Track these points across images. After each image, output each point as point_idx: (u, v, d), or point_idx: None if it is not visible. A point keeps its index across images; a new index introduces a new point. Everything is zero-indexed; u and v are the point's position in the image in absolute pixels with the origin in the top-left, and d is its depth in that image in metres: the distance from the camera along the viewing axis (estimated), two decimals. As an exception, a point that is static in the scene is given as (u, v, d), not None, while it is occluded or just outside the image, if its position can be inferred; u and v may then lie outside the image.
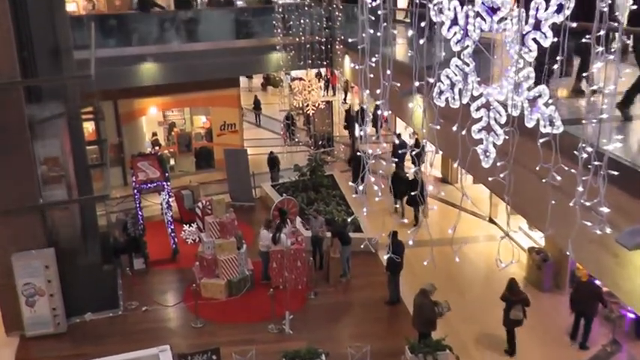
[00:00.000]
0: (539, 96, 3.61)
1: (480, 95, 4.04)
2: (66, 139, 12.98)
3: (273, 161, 20.48)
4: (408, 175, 16.92)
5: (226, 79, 21.05)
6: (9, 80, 11.47)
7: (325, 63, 18.98)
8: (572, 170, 4.05)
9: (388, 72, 4.33)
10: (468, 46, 3.93)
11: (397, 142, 14.50)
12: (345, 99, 28.93)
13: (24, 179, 11.63)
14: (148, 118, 22.59)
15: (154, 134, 22.74)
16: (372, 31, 4.29)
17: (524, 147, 4.34)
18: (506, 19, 3.63)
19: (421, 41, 4.33)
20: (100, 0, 21.00)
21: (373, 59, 4.37)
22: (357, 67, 4.63)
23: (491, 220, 17.38)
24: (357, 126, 14.79)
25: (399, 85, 4.58)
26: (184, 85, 19.80)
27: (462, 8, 3.86)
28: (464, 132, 4.30)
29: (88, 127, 17.02)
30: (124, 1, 20.71)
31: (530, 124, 3.73)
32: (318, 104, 20.87)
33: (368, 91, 4.62)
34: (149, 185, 15.85)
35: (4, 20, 11.43)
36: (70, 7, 19.04)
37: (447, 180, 19.91)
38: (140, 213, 16.37)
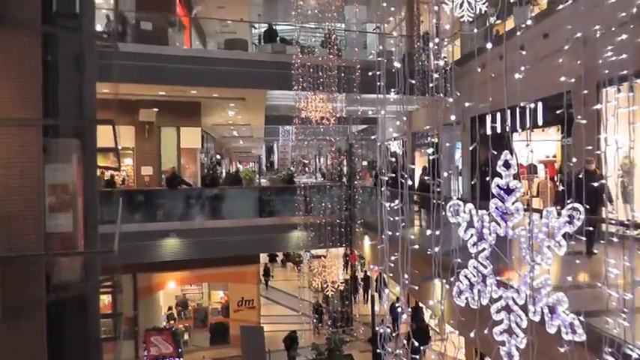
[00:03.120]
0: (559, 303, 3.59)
1: (500, 297, 4.03)
2: (80, 314, 12.88)
3: (292, 340, 20.00)
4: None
5: (246, 255, 21.24)
6: (35, 253, 11.69)
7: (345, 244, 19.21)
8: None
9: (406, 275, 4.37)
10: (484, 248, 4.00)
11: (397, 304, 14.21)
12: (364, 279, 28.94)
13: (32, 355, 11.37)
14: (165, 292, 22.52)
15: (170, 308, 22.56)
16: (390, 233, 4.43)
17: (551, 342, 4.22)
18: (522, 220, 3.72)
19: (436, 249, 4.43)
20: (130, 175, 21.93)
21: (392, 257, 4.45)
22: (377, 267, 4.71)
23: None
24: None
25: (417, 287, 4.60)
26: (204, 261, 19.96)
27: (477, 211, 3.98)
28: (485, 331, 4.23)
29: (105, 299, 16.95)
30: (152, 178, 21.59)
31: (551, 330, 3.67)
32: (338, 285, 20.81)
33: (388, 291, 4.63)
34: (161, 361, 15.45)
35: (35, 195, 11.91)
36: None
37: (471, 365, 19.07)
38: (149, 390, 15.78)
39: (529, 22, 5.74)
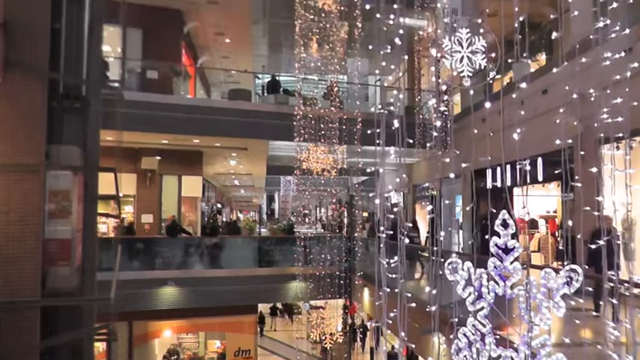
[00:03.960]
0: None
1: (499, 357, 3.98)
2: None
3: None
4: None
5: (244, 305, 21.01)
6: (29, 299, 11.52)
7: (345, 296, 19.00)
8: None
9: (403, 333, 4.33)
10: (483, 307, 3.97)
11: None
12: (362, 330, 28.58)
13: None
14: (161, 341, 22.22)
15: (165, 357, 22.23)
16: (388, 290, 4.40)
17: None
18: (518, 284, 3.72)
19: (434, 307, 4.40)
20: (130, 222, 21.85)
21: (391, 314, 4.42)
22: (373, 324, 4.65)
23: None
24: None
25: (414, 345, 4.55)
26: (201, 309, 19.73)
27: (475, 270, 3.98)
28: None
29: (99, 346, 16.67)
30: (152, 226, 21.54)
31: (551, 394, 3.60)
32: (336, 338, 20.51)
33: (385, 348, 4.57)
34: (154, 414, 15.13)
35: (34, 241, 11.81)
36: (102, 228, 19.79)
37: None
38: None
39: (524, 84, 5.83)
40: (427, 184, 22.49)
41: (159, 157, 20.48)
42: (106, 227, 21.39)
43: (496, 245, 3.84)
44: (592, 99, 5.98)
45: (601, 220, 5.66)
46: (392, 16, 5.50)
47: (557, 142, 5.10)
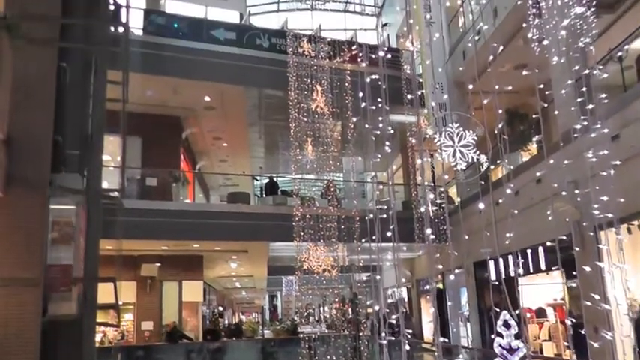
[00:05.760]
0: None
1: None
2: None
3: None
4: None
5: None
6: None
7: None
8: None
9: None
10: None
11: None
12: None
13: None
14: None
15: None
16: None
17: None
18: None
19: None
20: (129, 330, 21.42)
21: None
22: None
23: None
24: None
25: None
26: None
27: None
28: None
29: None
30: (153, 332, 21.11)
31: None
32: None
33: None
34: None
35: (30, 354, 11.51)
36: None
37: None
38: None
39: (508, 190, 5.94)
40: (427, 287, 22.30)
41: (159, 264, 20.37)
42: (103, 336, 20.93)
43: (500, 346, 3.80)
44: (579, 194, 6.07)
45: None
46: (380, 125, 5.67)
47: (554, 232, 5.13)
